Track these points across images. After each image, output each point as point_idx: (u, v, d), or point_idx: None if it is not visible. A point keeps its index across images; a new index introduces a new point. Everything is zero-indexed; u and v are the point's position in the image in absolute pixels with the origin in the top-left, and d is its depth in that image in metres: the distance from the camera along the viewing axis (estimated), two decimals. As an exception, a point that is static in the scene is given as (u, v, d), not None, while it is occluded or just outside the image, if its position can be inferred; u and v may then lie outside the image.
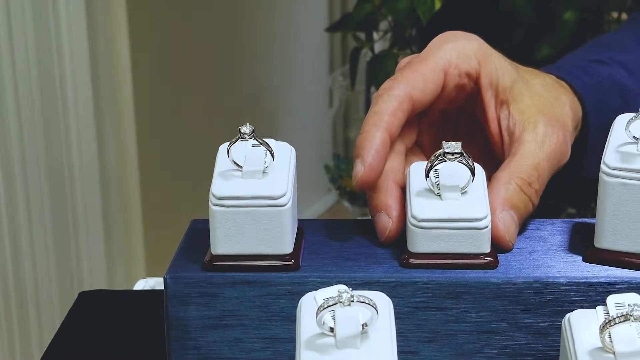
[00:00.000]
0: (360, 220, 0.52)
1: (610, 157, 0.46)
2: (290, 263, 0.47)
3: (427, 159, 0.49)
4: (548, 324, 0.46)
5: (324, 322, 0.38)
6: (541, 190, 0.50)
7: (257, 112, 1.94)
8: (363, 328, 0.38)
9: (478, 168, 0.48)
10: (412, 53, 1.68)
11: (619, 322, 0.38)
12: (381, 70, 1.69)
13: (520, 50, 1.52)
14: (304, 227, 0.51)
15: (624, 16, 1.41)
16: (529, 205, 0.49)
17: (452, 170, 0.46)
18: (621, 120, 0.47)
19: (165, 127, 1.60)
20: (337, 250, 0.49)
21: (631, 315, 0.38)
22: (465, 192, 0.46)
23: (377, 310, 0.38)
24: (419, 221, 0.45)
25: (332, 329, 0.38)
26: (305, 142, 2.19)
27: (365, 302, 0.38)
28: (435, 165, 0.46)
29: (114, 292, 0.57)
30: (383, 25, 1.72)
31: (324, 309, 0.38)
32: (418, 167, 0.48)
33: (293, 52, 2.09)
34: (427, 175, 0.46)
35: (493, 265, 0.46)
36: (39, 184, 1.29)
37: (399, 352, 0.47)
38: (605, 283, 0.45)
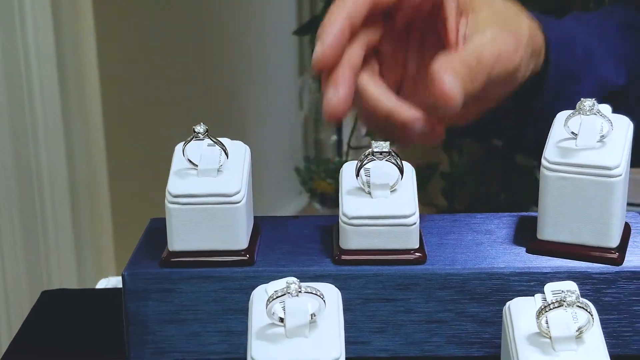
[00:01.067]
0: (314, 217, 0.54)
1: (550, 152, 0.48)
2: (245, 258, 0.48)
3: (382, 72, 0.50)
4: (493, 312, 0.48)
5: (273, 313, 0.40)
6: (479, 80, 0.49)
7: (228, 114, 1.95)
8: (312, 318, 0.40)
9: (407, 166, 0.49)
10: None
11: (554, 308, 0.40)
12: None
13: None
14: (260, 223, 0.52)
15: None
16: (468, 85, 0.49)
17: (382, 169, 0.48)
18: (561, 116, 0.49)
19: (134, 128, 1.61)
20: (292, 245, 0.50)
21: (564, 301, 0.40)
22: (395, 190, 0.48)
23: (324, 301, 0.40)
24: (350, 219, 0.47)
25: (282, 319, 0.40)
26: (276, 145, 2.20)
27: (312, 293, 0.39)
28: (365, 164, 0.48)
29: (75, 291, 0.58)
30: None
31: (273, 300, 0.39)
32: (350, 167, 0.50)
33: (263, 55, 2.10)
34: (357, 174, 0.48)
35: (422, 260, 0.47)
36: (7, 183, 1.30)
37: (351, 343, 0.48)
38: (547, 272, 0.47)
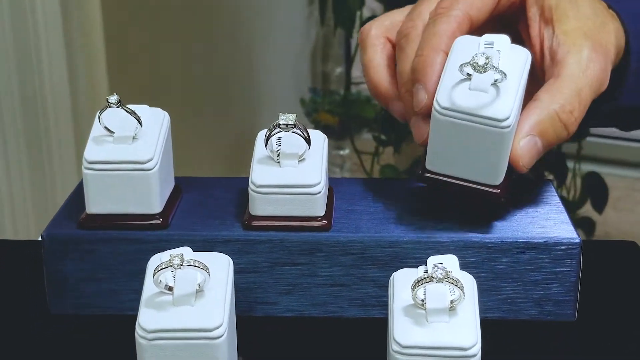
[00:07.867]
0: (236, 179, 0.56)
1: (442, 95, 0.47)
2: (159, 222, 0.50)
3: None
4: (393, 278, 0.50)
5: (160, 282, 0.42)
6: (580, 118, 0.49)
7: (234, 43, 1.95)
8: (199, 287, 0.43)
9: (319, 136, 0.51)
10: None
11: (425, 283, 0.42)
12: (345, 9, 1.70)
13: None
14: (182, 186, 0.55)
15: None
16: (563, 133, 0.49)
17: (292, 139, 0.50)
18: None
19: (135, 50, 1.62)
20: (209, 209, 0.53)
21: (434, 277, 0.42)
22: (303, 159, 0.50)
23: (208, 273, 0.42)
24: (257, 187, 0.49)
25: (171, 288, 0.43)
26: (282, 75, 2.21)
27: (195, 266, 0.42)
28: (274, 135, 0.49)
29: (16, 243, 0.61)
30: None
31: (158, 272, 0.42)
32: (263, 136, 0.51)
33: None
34: (266, 144, 0.50)
35: (327, 227, 0.49)
36: (13, 112, 1.33)
37: (260, 303, 0.51)
38: (443, 242, 0.49)
